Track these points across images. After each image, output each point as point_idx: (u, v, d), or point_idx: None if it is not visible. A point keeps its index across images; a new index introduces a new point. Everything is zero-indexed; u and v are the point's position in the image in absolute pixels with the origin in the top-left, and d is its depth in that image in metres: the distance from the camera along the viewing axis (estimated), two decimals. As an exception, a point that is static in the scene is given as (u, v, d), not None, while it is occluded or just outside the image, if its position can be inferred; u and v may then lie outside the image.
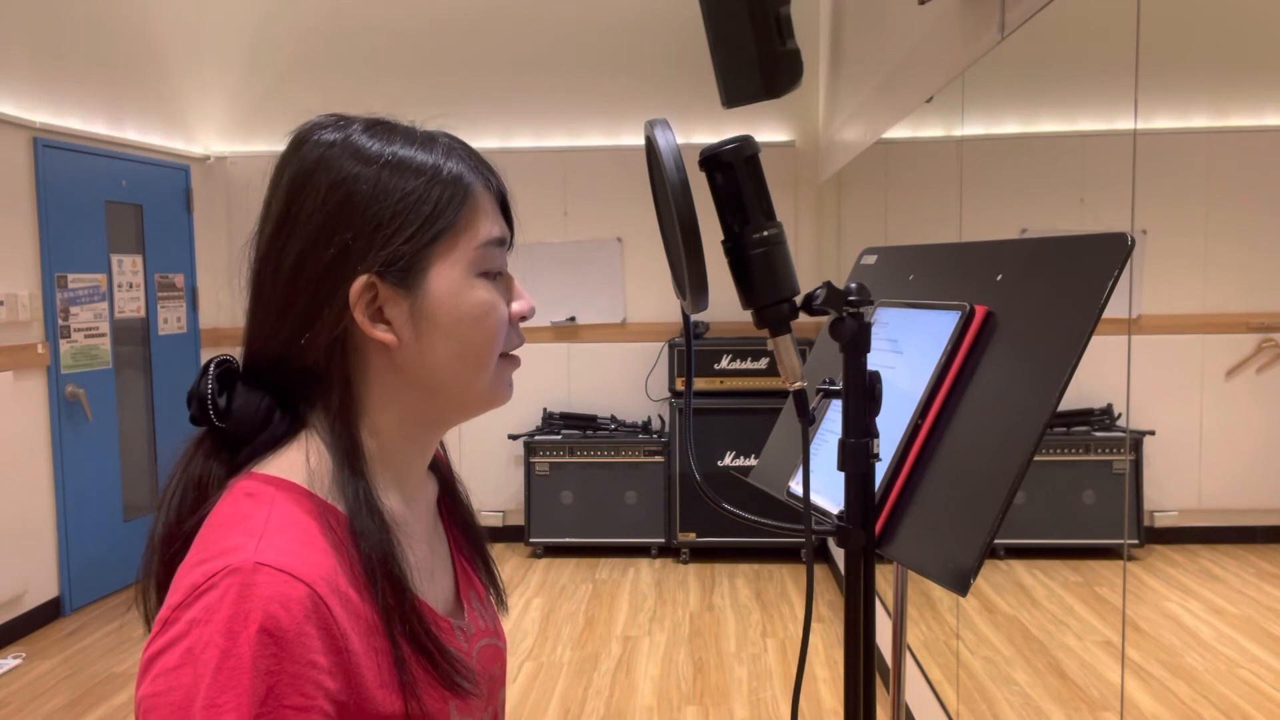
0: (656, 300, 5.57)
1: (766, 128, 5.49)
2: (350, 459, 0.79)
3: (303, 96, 5.56)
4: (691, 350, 1.09)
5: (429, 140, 0.82)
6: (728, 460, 5.04)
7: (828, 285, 0.95)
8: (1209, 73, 1.55)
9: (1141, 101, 1.57)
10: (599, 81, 5.55)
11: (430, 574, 0.86)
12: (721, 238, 0.95)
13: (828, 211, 5.24)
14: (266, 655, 0.66)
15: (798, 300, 0.95)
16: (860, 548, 1.00)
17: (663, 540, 5.21)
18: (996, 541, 0.94)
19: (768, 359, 5.10)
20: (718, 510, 1.20)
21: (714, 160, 0.93)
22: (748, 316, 0.96)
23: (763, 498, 1.33)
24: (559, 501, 5.25)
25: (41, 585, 4.37)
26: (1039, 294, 1.00)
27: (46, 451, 4.41)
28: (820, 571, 5.01)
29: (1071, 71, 2.04)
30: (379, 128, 0.81)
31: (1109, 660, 1.81)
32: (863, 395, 0.98)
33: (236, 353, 0.84)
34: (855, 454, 0.98)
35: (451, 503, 0.97)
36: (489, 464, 5.61)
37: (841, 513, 1.01)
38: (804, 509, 0.98)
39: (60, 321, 4.47)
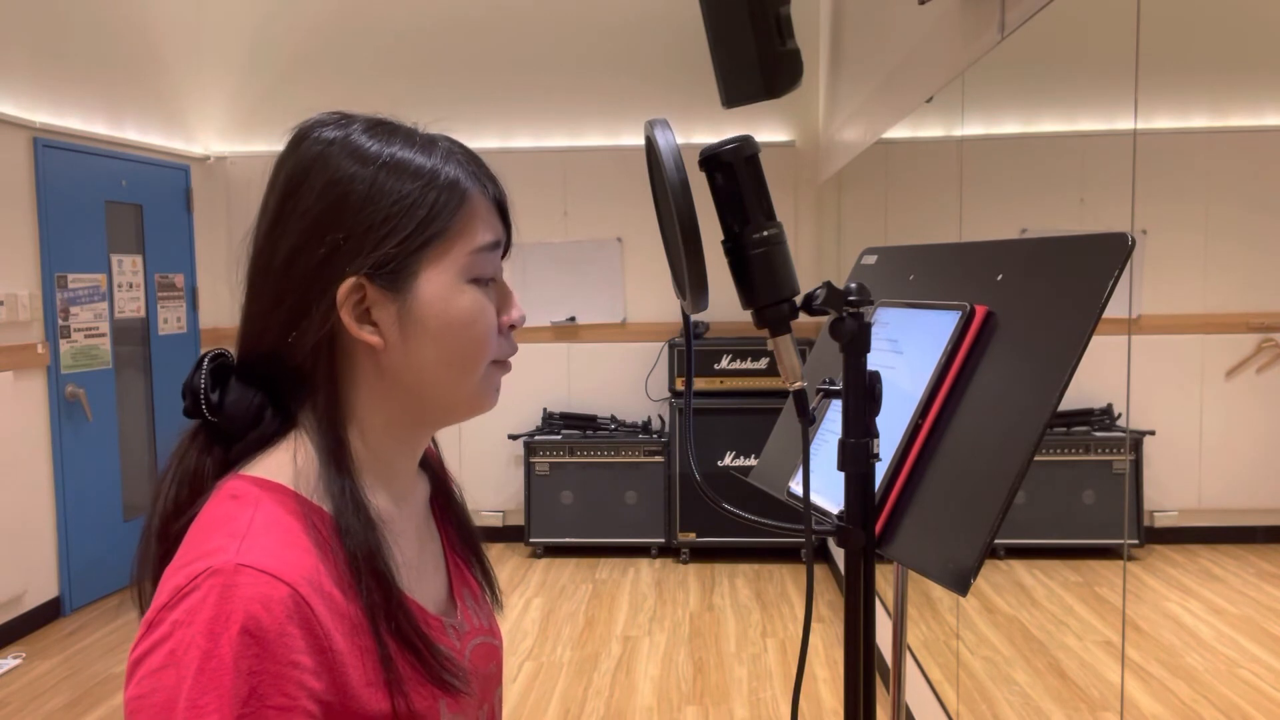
0: (656, 300, 5.57)
1: (766, 128, 5.49)
2: (336, 458, 0.79)
3: (303, 96, 5.56)
4: (691, 350, 1.09)
5: (429, 143, 0.82)
6: (728, 460, 5.04)
7: (828, 285, 0.95)
8: (1209, 73, 1.55)
9: (1141, 101, 1.57)
10: (599, 81, 5.55)
11: (420, 572, 0.86)
12: (721, 238, 0.95)
13: (828, 211, 5.24)
14: (248, 656, 0.67)
15: (798, 300, 0.95)
16: (860, 548, 1.00)
17: (663, 540, 5.21)
18: (996, 541, 0.94)
19: (768, 359, 5.10)
20: (718, 510, 1.20)
21: (714, 160, 0.93)
22: (748, 316, 0.96)
23: (763, 498, 1.33)
24: (559, 501, 5.25)
25: (41, 585, 4.37)
26: (1039, 294, 1.00)
27: (46, 451, 4.41)
28: (820, 571, 5.01)
29: (1071, 71, 2.04)
30: (380, 128, 0.81)
31: (1109, 660, 1.81)
32: (863, 395, 0.98)
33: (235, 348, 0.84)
34: (855, 454, 0.98)
35: (445, 501, 0.96)
36: (489, 464, 5.61)
37: (841, 513, 1.01)
38: (804, 509, 0.98)
39: (60, 321, 4.47)
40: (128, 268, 4.97)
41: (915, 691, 3.01)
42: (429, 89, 5.57)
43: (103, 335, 4.75)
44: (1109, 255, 0.93)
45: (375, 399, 0.82)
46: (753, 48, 0.99)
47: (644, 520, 5.21)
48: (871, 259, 1.39)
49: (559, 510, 5.25)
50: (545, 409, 5.56)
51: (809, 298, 0.95)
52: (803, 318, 0.96)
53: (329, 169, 0.78)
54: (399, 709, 0.75)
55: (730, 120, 5.17)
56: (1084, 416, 1.92)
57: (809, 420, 0.96)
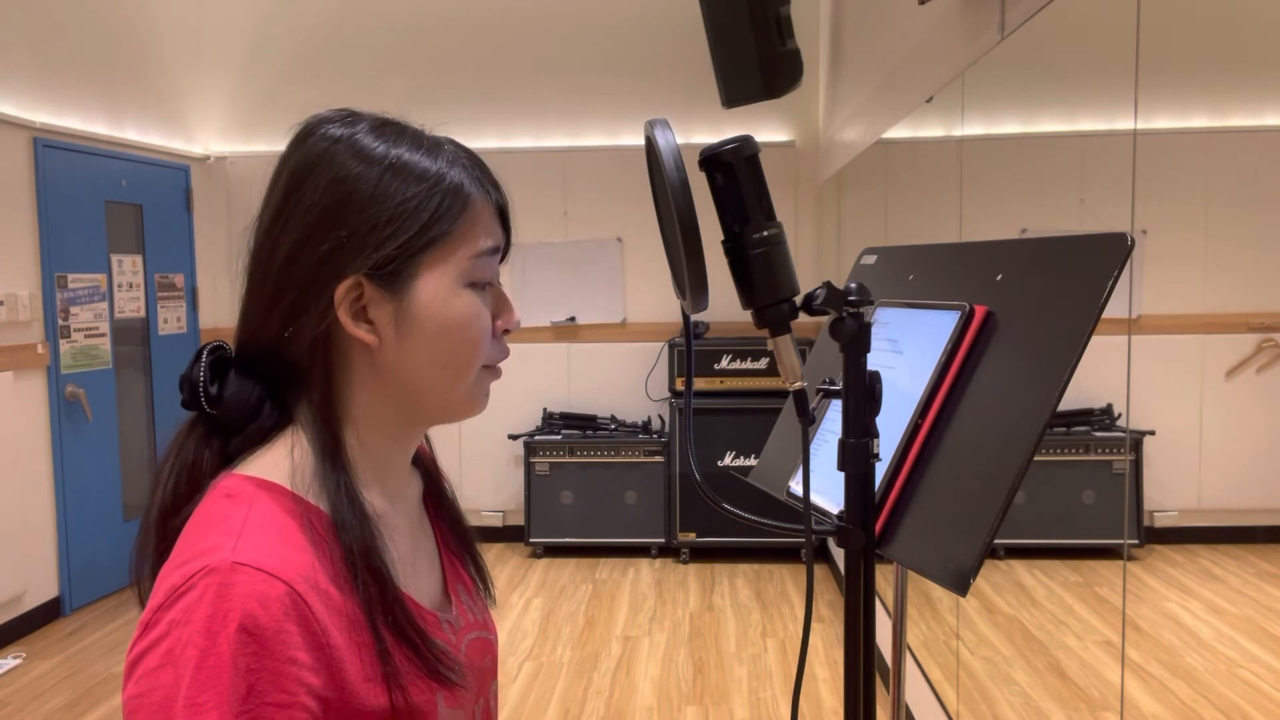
0: (656, 300, 5.57)
1: (766, 128, 5.49)
2: (331, 454, 0.79)
3: (303, 96, 5.56)
4: (691, 350, 1.09)
5: (434, 146, 0.82)
6: (728, 460, 5.04)
7: (828, 285, 0.95)
8: (1209, 73, 1.55)
9: (1141, 101, 1.57)
10: (599, 81, 5.55)
11: (415, 568, 0.87)
12: (721, 238, 0.95)
13: (828, 211, 5.24)
14: (246, 653, 0.67)
15: (798, 300, 0.95)
16: (860, 548, 1.00)
17: (663, 540, 5.21)
18: (996, 541, 0.94)
19: (768, 359, 5.10)
20: (718, 510, 1.20)
21: (714, 160, 0.93)
22: (748, 316, 0.96)
23: (763, 498, 1.33)
24: (559, 501, 5.25)
25: (41, 585, 4.37)
26: (1039, 294, 1.00)
27: (46, 451, 4.41)
28: (820, 571, 5.01)
29: (1071, 71, 2.04)
30: (386, 128, 0.81)
31: (1109, 660, 1.81)
32: (863, 395, 0.98)
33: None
34: (855, 454, 0.98)
35: (437, 498, 0.97)
36: (489, 464, 5.61)
37: (841, 513, 1.01)
38: (804, 509, 0.98)
39: (60, 321, 4.47)
40: (128, 268, 4.97)
41: (915, 691, 3.01)
42: (429, 89, 5.57)
43: (103, 335, 4.75)
44: (1109, 255, 0.93)
45: (370, 397, 0.82)
46: (753, 48, 0.99)
47: (644, 520, 5.21)
48: (871, 259, 1.39)
49: (559, 510, 5.25)
50: (545, 409, 5.56)
51: (809, 298, 0.95)
52: (803, 318, 0.96)
53: (334, 167, 0.78)
54: (397, 703, 0.75)
55: (730, 120, 5.16)
56: (1084, 416, 1.92)
57: (809, 420, 0.96)
